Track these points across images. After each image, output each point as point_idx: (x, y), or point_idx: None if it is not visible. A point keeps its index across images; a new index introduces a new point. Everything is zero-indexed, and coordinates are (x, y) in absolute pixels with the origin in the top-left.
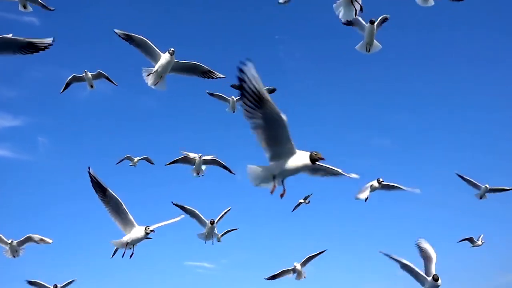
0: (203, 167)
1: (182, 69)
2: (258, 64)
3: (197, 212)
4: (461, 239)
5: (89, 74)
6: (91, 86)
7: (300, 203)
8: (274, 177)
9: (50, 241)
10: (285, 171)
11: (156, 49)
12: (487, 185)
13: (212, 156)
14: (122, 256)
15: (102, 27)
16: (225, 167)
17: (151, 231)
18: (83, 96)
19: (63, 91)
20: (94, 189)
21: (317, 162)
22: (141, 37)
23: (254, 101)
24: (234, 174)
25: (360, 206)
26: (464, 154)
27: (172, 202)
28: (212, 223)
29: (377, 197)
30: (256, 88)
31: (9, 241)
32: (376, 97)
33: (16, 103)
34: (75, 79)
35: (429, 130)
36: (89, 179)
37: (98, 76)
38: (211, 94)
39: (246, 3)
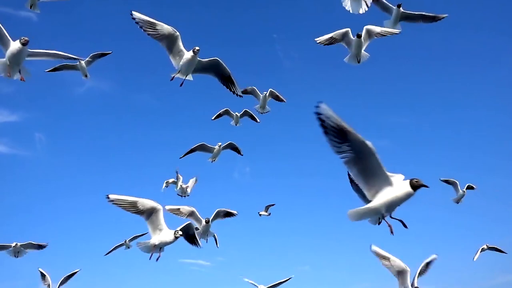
0: None
1: (203, 68)
2: (256, 63)
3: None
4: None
5: (83, 63)
6: (86, 76)
7: (260, 214)
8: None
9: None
10: (390, 206)
11: (182, 45)
12: (464, 190)
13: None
14: (149, 258)
15: (99, 24)
16: (236, 149)
17: (180, 235)
18: (80, 93)
19: (49, 71)
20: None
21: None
22: (170, 29)
23: (337, 136)
24: (242, 155)
25: (357, 205)
26: (463, 153)
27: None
28: (207, 222)
29: None
30: (336, 124)
31: (13, 244)
32: (374, 97)
33: (13, 99)
34: (66, 67)
35: (427, 130)
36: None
37: (91, 60)
38: (217, 117)
39: (243, 2)
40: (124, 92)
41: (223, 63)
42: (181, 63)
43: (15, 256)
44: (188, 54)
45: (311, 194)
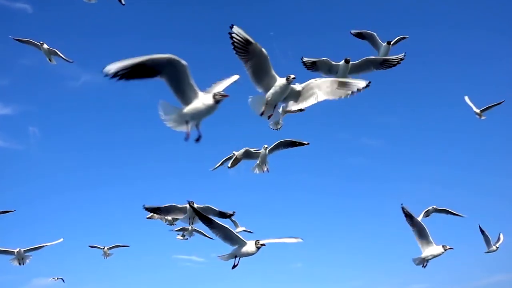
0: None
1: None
2: None
3: (173, 205)
4: (482, 231)
5: (46, 46)
6: (50, 60)
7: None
8: None
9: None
10: None
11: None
12: (434, 206)
13: (276, 142)
14: (232, 268)
15: (96, 19)
16: (294, 144)
17: (261, 245)
18: (76, 87)
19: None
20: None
21: None
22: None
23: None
24: (308, 144)
25: (355, 203)
26: (455, 153)
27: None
28: (191, 204)
29: (374, 195)
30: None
31: (16, 250)
32: (370, 96)
33: (6, 91)
34: (32, 43)
35: (419, 130)
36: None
37: (54, 53)
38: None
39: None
40: (120, 87)
41: None
42: (272, 91)
43: (20, 264)
44: (280, 82)
45: (306, 191)
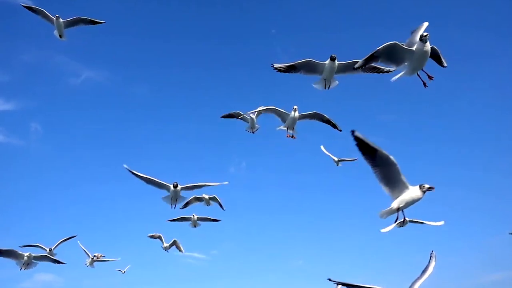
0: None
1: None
2: (253, 58)
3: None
4: None
5: (61, 21)
6: (60, 36)
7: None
8: None
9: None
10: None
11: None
12: (407, 219)
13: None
14: (399, 225)
15: (97, 16)
16: (329, 122)
17: (428, 188)
18: (76, 84)
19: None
20: (362, 151)
21: None
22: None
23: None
24: (340, 130)
25: (355, 201)
26: (455, 152)
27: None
28: (175, 186)
29: (374, 193)
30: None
31: (27, 254)
32: (368, 96)
33: (8, 87)
34: (42, 14)
35: (419, 128)
36: (356, 142)
37: (74, 22)
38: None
39: None
40: (121, 84)
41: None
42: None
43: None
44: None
45: (306, 189)
